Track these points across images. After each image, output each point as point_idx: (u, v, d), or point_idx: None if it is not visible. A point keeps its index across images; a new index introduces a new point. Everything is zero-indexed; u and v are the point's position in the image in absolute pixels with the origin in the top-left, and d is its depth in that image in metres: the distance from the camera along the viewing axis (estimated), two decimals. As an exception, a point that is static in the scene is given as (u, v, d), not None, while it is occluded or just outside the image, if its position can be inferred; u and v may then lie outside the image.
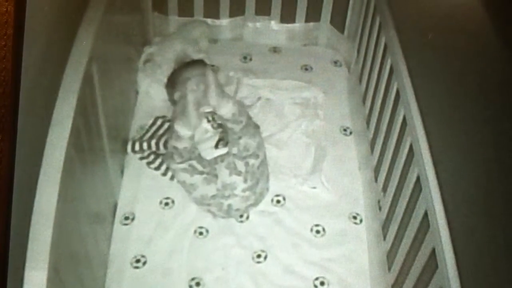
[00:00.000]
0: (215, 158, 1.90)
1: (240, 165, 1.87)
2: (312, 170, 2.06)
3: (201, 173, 1.90)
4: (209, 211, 1.93)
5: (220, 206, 1.89)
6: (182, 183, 1.95)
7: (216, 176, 1.88)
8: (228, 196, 1.88)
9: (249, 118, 1.97)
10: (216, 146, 1.93)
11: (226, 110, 1.87)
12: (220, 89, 1.91)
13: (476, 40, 1.32)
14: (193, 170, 1.90)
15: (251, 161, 1.89)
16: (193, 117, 1.87)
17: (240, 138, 1.89)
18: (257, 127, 1.99)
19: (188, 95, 1.89)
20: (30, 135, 1.11)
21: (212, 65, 2.30)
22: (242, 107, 1.96)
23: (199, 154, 1.94)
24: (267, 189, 2.00)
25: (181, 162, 1.92)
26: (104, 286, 1.74)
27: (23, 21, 0.96)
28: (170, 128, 2.12)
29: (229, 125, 1.89)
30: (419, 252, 1.41)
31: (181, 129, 1.88)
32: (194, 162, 1.92)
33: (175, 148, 1.92)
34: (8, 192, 0.96)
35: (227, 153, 1.89)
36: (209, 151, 1.93)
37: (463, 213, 1.30)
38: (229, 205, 1.89)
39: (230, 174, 1.86)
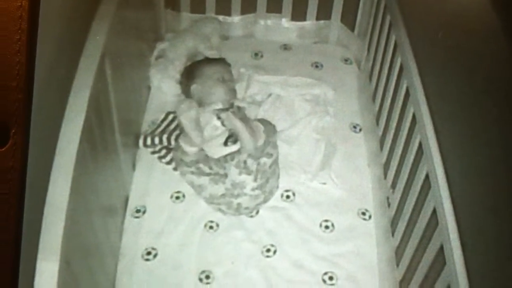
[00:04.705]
0: (225, 157, 1.89)
1: (251, 164, 1.87)
2: (321, 166, 2.06)
3: (208, 174, 1.91)
4: (219, 209, 1.93)
5: (229, 204, 1.90)
6: (190, 184, 1.96)
7: (223, 175, 1.88)
8: (238, 195, 1.88)
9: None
10: (225, 144, 1.92)
11: (262, 140, 1.91)
12: (246, 125, 1.91)
13: (485, 39, 1.33)
14: (199, 172, 1.91)
15: (263, 159, 1.89)
16: (194, 137, 1.92)
17: None
18: (273, 126, 2.02)
19: (182, 116, 1.95)
20: (44, 129, 1.12)
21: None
22: (269, 124, 2.03)
23: (206, 156, 1.93)
24: (277, 187, 2.00)
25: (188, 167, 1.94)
26: (115, 278, 1.76)
27: (37, 15, 0.97)
28: (180, 124, 2.13)
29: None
30: (427, 249, 1.42)
31: (185, 146, 1.92)
32: (200, 165, 1.92)
33: (181, 160, 1.94)
34: (21, 185, 0.97)
35: (238, 151, 1.89)
36: (218, 149, 1.92)
37: (472, 210, 1.31)
38: (239, 204, 1.89)
39: (240, 173, 1.87)
